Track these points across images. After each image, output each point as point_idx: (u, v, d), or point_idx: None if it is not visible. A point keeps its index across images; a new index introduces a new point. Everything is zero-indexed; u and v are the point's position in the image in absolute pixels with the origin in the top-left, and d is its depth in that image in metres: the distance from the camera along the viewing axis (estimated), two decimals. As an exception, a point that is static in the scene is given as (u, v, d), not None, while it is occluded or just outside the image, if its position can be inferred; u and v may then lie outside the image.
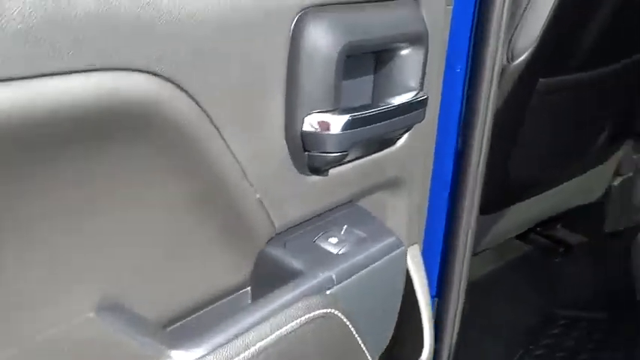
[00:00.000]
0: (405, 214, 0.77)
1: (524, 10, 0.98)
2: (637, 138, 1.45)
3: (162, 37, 0.41)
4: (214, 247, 0.56)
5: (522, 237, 1.57)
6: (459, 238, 0.86)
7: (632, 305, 1.40)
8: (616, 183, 1.45)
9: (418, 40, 0.64)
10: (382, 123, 0.61)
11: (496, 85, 0.80)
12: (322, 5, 0.54)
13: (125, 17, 0.38)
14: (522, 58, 1.00)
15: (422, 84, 0.66)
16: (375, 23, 0.60)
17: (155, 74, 0.41)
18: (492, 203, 1.13)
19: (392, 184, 0.74)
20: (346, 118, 0.57)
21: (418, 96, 0.65)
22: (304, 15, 0.53)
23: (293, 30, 0.53)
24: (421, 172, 0.78)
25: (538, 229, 1.58)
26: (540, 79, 1.08)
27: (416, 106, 0.65)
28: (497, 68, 0.79)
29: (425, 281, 0.80)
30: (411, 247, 0.79)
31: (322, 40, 0.54)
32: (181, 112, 0.44)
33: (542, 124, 1.14)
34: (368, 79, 0.66)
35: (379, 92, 0.66)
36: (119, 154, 0.43)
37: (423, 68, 0.66)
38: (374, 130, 0.61)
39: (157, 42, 0.41)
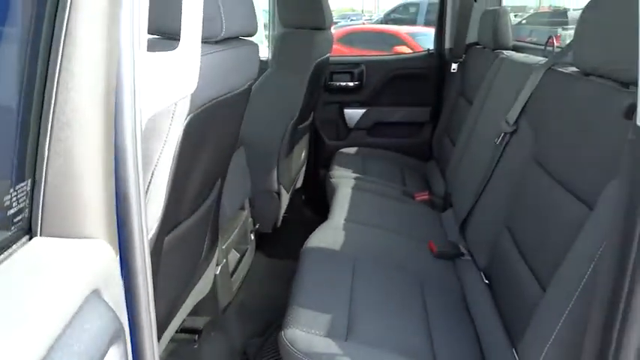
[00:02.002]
0: None
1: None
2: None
3: None
4: None
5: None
6: None
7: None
8: (217, 272, 1.91)
9: (117, 337, 0.59)
10: None
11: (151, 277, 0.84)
12: None
13: None
14: (152, 233, 1.25)
15: None
16: None
17: None
18: None
19: None
20: None
21: None
22: None
23: None
24: None
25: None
26: (165, 238, 1.37)
27: None
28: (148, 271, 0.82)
29: None
30: None
31: None
32: None
33: (168, 268, 1.43)
34: None
35: None
36: None
37: None
38: None
39: None
